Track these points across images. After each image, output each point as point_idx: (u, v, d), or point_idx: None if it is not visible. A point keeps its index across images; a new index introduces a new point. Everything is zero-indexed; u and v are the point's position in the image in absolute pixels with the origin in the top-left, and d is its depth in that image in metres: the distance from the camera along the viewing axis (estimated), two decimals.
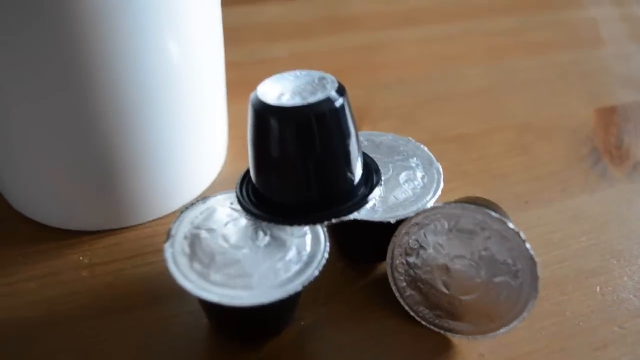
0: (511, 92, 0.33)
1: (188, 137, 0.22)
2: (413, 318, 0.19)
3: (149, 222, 0.23)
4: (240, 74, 0.28)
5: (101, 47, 0.18)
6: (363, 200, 0.18)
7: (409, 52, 0.36)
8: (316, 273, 0.17)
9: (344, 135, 0.17)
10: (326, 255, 0.17)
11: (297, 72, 0.18)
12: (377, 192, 0.19)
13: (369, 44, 0.37)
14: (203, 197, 0.19)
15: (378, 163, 0.20)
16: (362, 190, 0.19)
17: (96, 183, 0.21)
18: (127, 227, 0.22)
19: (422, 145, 0.21)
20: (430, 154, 0.21)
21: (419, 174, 0.20)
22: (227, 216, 0.18)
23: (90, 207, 0.22)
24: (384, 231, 0.19)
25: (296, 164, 0.17)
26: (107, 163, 0.20)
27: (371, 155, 0.20)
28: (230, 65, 0.26)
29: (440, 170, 0.20)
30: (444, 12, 0.41)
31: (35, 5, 0.17)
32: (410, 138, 0.22)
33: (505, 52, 0.37)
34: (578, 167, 0.27)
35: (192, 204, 0.19)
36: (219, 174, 0.25)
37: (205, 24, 0.21)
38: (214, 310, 0.18)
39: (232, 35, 0.34)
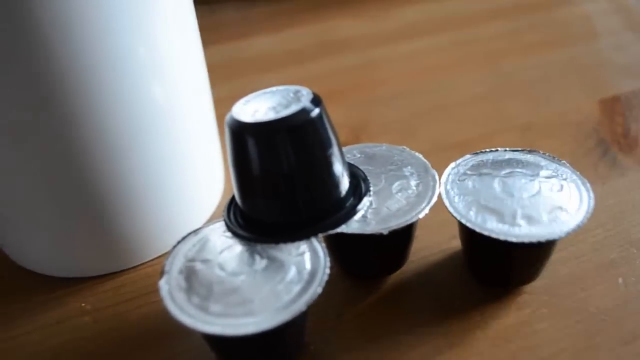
0: (510, 95, 0.32)
1: (182, 175, 0.22)
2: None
3: (150, 261, 0.22)
4: None
5: (87, 93, 0.18)
6: (352, 211, 0.18)
7: (403, 67, 0.36)
8: (319, 290, 0.16)
9: (324, 146, 0.17)
10: (327, 271, 0.16)
11: (273, 89, 0.18)
12: (365, 201, 0.18)
13: (362, 63, 0.36)
14: (195, 230, 0.18)
15: (369, 175, 0.19)
16: (351, 201, 0.18)
17: (92, 229, 0.21)
18: (128, 269, 0.22)
19: (417, 154, 0.21)
20: (425, 161, 0.20)
21: (413, 182, 0.19)
22: (221, 245, 0.18)
23: (88, 253, 0.21)
24: (380, 244, 0.18)
25: (277, 179, 0.17)
26: (103, 208, 0.20)
27: (364, 167, 0.20)
28: (223, 100, 0.26)
29: (437, 177, 0.19)
30: (432, 25, 0.41)
31: (22, 50, 0.17)
32: (405, 147, 0.21)
33: (499, 56, 0.36)
34: (587, 159, 0.26)
35: (183, 238, 0.18)
36: (218, 207, 0.25)
37: (188, 64, 0.21)
38: (218, 343, 0.17)
39: (224, 71, 0.35)
